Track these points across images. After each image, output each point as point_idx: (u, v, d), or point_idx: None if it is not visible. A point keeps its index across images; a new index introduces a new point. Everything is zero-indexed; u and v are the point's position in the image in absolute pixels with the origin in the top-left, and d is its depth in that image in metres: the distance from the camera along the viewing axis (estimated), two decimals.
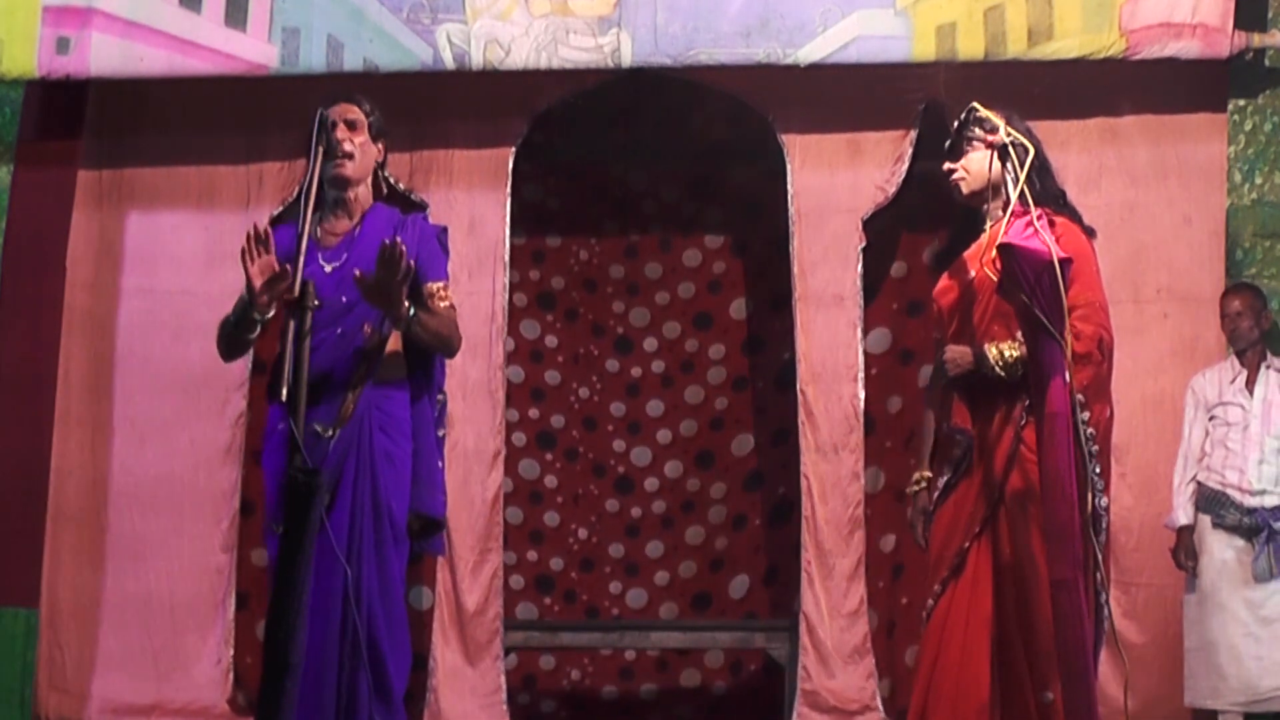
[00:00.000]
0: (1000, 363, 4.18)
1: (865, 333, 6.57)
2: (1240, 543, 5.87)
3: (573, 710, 7.27)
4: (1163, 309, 6.31)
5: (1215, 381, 6.00)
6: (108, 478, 6.57)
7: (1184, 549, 5.96)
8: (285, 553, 3.68)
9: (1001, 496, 4.18)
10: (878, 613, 6.61)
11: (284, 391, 3.70)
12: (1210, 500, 5.92)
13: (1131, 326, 6.19)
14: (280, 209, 6.58)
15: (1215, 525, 5.90)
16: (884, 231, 6.75)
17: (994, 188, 4.28)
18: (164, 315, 6.60)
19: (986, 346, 4.20)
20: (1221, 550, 5.89)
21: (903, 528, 6.59)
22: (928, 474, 4.43)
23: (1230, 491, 5.88)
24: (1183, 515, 5.96)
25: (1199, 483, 5.97)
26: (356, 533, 4.20)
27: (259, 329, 4.19)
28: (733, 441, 7.46)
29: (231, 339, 4.28)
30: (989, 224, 4.31)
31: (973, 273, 4.30)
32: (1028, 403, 4.13)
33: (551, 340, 7.59)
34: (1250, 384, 5.94)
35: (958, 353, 4.26)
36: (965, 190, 4.33)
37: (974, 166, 4.31)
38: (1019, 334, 4.13)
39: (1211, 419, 5.97)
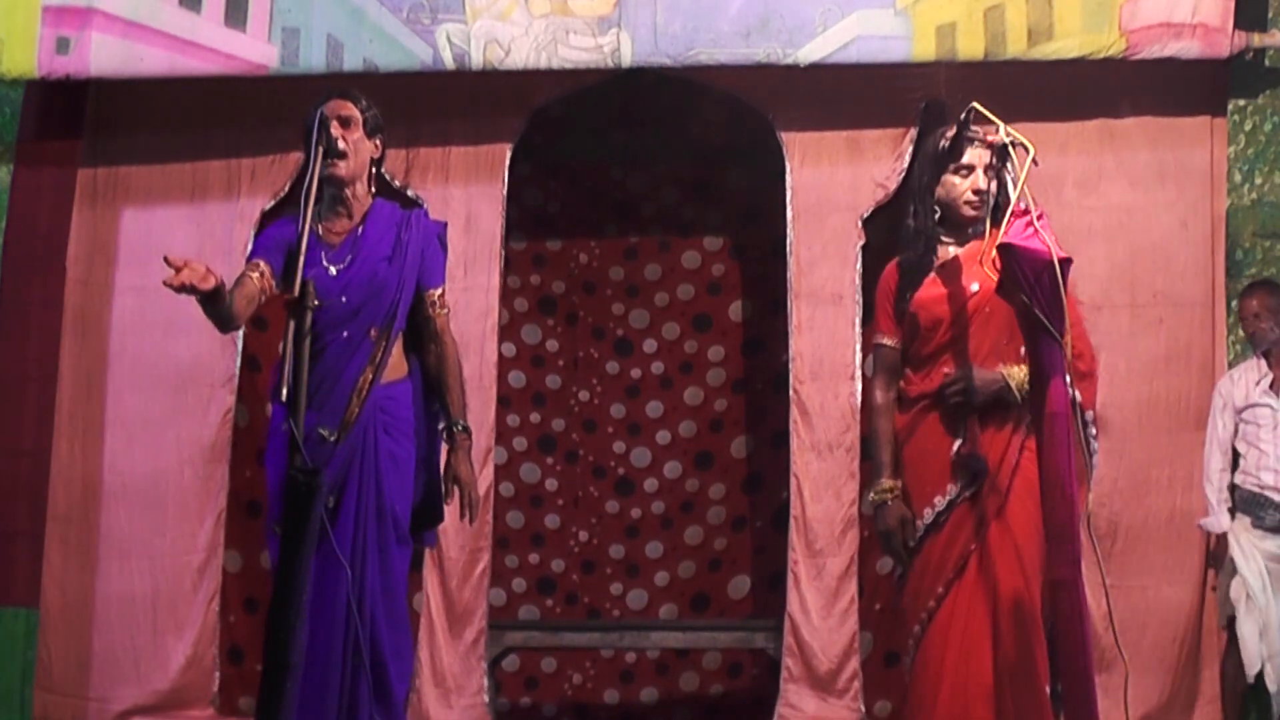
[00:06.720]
0: (1022, 390, 4.14)
1: (862, 357, 6.47)
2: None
3: (574, 716, 7.25)
4: (1158, 313, 6.28)
5: (1242, 384, 5.96)
6: (99, 476, 6.54)
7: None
8: (285, 553, 3.67)
9: (1004, 504, 4.16)
10: (871, 635, 6.56)
11: (284, 392, 3.70)
12: (1249, 502, 5.91)
13: (1126, 330, 6.18)
14: (272, 203, 6.58)
15: (1255, 525, 5.89)
16: (881, 251, 6.72)
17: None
18: (154, 312, 6.55)
19: (1007, 372, 4.17)
20: (1261, 545, 5.86)
21: None
22: (896, 483, 4.31)
23: (1268, 493, 5.87)
24: (1225, 519, 5.92)
25: (1236, 485, 5.95)
26: (360, 535, 4.20)
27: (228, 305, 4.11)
28: (732, 443, 7.44)
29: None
30: (975, 230, 4.29)
31: (976, 285, 4.25)
32: (1030, 418, 4.10)
33: (552, 344, 7.57)
34: (1276, 385, 5.93)
35: (989, 379, 4.18)
36: (983, 214, 4.28)
37: (984, 187, 4.26)
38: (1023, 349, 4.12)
39: (1243, 422, 5.94)
